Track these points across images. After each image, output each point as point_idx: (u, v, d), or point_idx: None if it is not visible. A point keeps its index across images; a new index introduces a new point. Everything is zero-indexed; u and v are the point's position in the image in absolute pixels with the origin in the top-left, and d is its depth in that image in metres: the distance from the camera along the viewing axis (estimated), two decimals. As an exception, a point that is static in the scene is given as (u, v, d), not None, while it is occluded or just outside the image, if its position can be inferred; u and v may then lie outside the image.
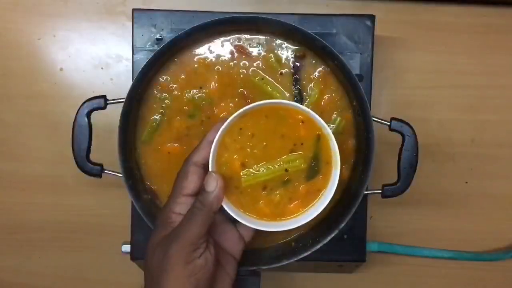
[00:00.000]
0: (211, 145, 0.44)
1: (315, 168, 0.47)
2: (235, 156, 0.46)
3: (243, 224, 0.46)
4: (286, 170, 0.47)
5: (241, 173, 0.46)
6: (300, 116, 0.46)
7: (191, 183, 0.45)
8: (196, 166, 0.46)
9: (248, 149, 0.46)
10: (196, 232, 0.42)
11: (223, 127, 0.45)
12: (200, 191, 0.44)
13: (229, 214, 0.45)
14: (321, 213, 0.47)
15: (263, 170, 0.46)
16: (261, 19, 0.52)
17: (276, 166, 0.47)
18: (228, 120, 0.45)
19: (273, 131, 0.46)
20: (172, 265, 0.42)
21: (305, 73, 0.54)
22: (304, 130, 0.46)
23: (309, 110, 0.45)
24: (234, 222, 0.47)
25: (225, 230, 0.49)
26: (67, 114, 0.55)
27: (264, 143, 0.46)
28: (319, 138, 0.46)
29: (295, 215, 0.47)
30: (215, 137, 0.45)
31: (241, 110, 0.45)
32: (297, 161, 0.47)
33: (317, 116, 0.45)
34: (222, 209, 0.45)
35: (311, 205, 0.47)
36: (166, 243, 0.43)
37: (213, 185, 0.43)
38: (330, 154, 0.46)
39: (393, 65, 0.64)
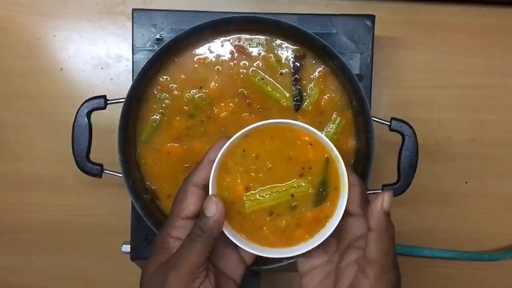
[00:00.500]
0: (213, 164, 0.42)
1: (323, 193, 0.44)
2: (238, 180, 0.44)
3: (246, 250, 0.43)
4: (292, 196, 0.44)
5: (244, 198, 0.44)
6: (307, 138, 0.44)
7: (190, 204, 0.43)
8: (196, 186, 0.43)
9: (253, 173, 0.44)
10: (195, 261, 0.40)
11: (224, 148, 0.42)
12: (199, 216, 0.41)
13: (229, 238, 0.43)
14: None
15: (267, 195, 0.44)
16: (261, 19, 0.52)
17: (282, 191, 0.44)
18: (230, 141, 0.42)
19: (279, 153, 0.44)
20: None
21: (305, 73, 0.54)
22: (312, 153, 0.44)
23: (316, 131, 0.43)
24: (235, 245, 0.44)
25: (225, 254, 0.45)
26: (67, 114, 0.55)
27: (270, 165, 0.44)
28: (328, 162, 0.44)
29: (301, 242, 0.44)
30: (216, 156, 0.42)
31: (244, 130, 0.42)
32: (304, 186, 0.44)
33: (324, 137, 0.43)
34: (222, 233, 0.42)
35: (318, 232, 0.44)
36: (163, 272, 0.41)
37: (213, 209, 0.40)
38: (338, 179, 0.44)
39: (393, 65, 0.64)
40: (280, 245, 0.44)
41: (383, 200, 0.40)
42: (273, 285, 0.68)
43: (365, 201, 0.43)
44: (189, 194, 0.43)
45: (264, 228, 0.44)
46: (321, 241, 0.43)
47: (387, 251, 0.41)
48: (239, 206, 0.44)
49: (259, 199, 0.44)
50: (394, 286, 0.41)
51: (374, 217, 0.40)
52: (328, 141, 0.43)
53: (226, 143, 0.42)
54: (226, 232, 0.42)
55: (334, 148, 0.42)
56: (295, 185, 0.44)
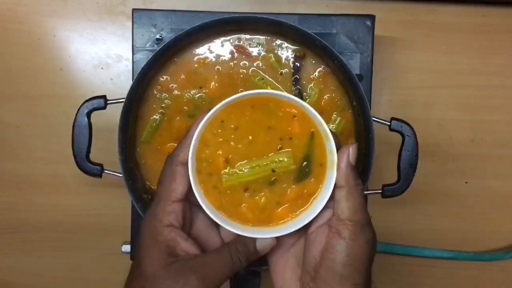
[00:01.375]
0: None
1: (306, 169, 0.42)
2: (219, 152, 0.41)
3: (226, 229, 0.41)
4: (273, 171, 0.42)
5: (222, 172, 0.41)
6: (293, 110, 0.41)
7: (179, 185, 0.40)
8: (183, 165, 0.40)
9: (232, 143, 0.41)
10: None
11: (203, 121, 0.40)
12: (241, 239, 0.40)
13: (210, 218, 0.41)
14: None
15: (246, 170, 0.42)
16: (261, 19, 0.52)
17: (263, 165, 0.42)
18: (210, 113, 0.40)
19: (259, 123, 0.41)
20: None
21: (305, 73, 0.54)
22: (296, 126, 0.42)
23: (304, 103, 0.40)
24: (217, 226, 0.43)
25: (208, 237, 0.43)
26: (67, 114, 0.55)
27: (250, 137, 0.41)
28: (313, 137, 0.41)
29: (283, 220, 0.42)
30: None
31: (224, 101, 0.40)
32: (286, 161, 0.41)
33: (313, 110, 0.40)
34: (203, 212, 0.41)
35: (301, 209, 0.42)
36: (184, 276, 0.38)
37: (267, 248, 0.41)
38: (324, 155, 0.41)
39: (393, 65, 0.64)
40: (260, 224, 0.42)
41: (348, 154, 0.39)
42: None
43: (352, 170, 0.40)
44: (177, 175, 0.40)
45: (243, 205, 0.42)
46: (307, 220, 0.41)
47: (359, 207, 0.39)
48: (216, 179, 0.42)
49: (238, 173, 0.42)
50: (371, 243, 0.39)
51: (341, 173, 0.39)
52: (317, 114, 0.40)
53: (204, 118, 0.40)
54: (204, 208, 0.40)
55: (323, 122, 0.40)
56: (276, 159, 0.42)
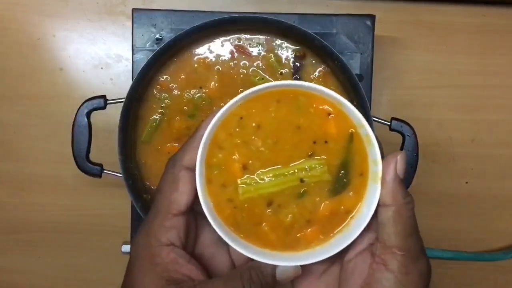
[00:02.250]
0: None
1: (343, 179, 0.34)
2: (234, 156, 0.34)
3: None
4: (302, 181, 0.34)
5: (239, 181, 0.34)
6: (326, 107, 0.34)
7: (183, 195, 0.33)
8: (188, 170, 0.33)
9: (252, 145, 0.34)
10: None
11: (216, 117, 0.33)
12: (255, 266, 0.32)
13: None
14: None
15: (269, 179, 0.34)
16: (261, 19, 0.52)
17: (289, 174, 0.34)
18: (224, 108, 0.33)
19: (286, 122, 0.34)
20: None
21: (305, 73, 0.54)
22: (331, 126, 0.34)
23: (342, 98, 0.33)
24: (226, 244, 0.35)
25: (214, 256, 0.36)
26: (66, 114, 0.55)
27: (274, 139, 0.34)
28: (352, 139, 0.34)
29: (312, 244, 0.34)
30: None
31: (243, 93, 0.33)
32: (319, 169, 0.34)
33: (353, 107, 0.33)
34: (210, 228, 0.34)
35: (336, 230, 0.34)
36: None
37: (290, 277, 0.32)
38: (366, 163, 0.34)
39: (393, 65, 0.64)
40: (283, 248, 0.34)
41: (396, 164, 0.31)
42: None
43: (400, 185, 0.32)
44: (180, 182, 0.33)
45: (263, 224, 0.34)
46: (344, 245, 0.33)
47: (410, 232, 0.31)
48: (231, 191, 0.34)
49: (259, 183, 0.34)
50: (426, 277, 0.32)
51: (387, 188, 0.31)
52: (358, 113, 0.33)
53: (216, 115, 0.33)
54: (214, 226, 0.33)
55: (366, 123, 0.33)
56: (306, 166, 0.34)
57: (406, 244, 0.31)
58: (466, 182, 0.66)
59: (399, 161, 0.31)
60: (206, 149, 0.33)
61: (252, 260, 0.33)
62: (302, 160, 0.34)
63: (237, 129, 0.34)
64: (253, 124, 0.34)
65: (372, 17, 0.55)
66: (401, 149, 0.51)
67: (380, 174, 0.32)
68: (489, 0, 0.63)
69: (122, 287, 0.34)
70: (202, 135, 0.33)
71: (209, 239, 0.36)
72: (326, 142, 0.34)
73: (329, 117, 0.34)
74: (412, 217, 0.32)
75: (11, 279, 0.67)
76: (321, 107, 0.34)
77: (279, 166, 0.34)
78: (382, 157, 0.33)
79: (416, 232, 0.32)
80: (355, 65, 0.55)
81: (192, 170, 0.33)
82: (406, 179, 0.51)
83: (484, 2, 0.63)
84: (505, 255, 0.65)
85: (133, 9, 0.55)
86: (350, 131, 0.34)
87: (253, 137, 0.34)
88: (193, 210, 0.35)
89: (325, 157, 0.34)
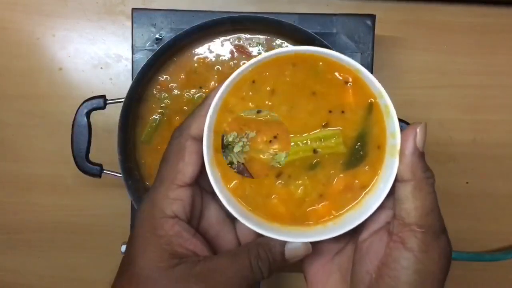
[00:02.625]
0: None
1: (360, 152, 0.32)
2: None
3: (244, 227, 0.31)
4: (315, 152, 0.32)
5: None
6: (345, 75, 0.32)
7: (188, 166, 0.31)
8: (195, 140, 0.32)
9: (265, 111, 0.32)
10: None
11: (226, 83, 0.31)
12: (263, 242, 0.30)
13: (227, 210, 0.32)
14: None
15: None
16: (261, 19, 0.51)
17: (302, 143, 0.31)
18: (237, 72, 0.31)
19: (301, 88, 0.32)
20: None
21: (305, 73, 0.54)
22: (349, 96, 0.32)
23: (361, 67, 0.31)
24: (233, 220, 0.35)
25: (219, 234, 0.35)
26: (66, 114, 0.55)
27: (290, 106, 0.32)
28: (371, 110, 0.32)
29: (323, 220, 0.32)
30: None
31: (256, 59, 0.31)
32: (334, 140, 0.32)
33: (372, 76, 0.31)
34: (216, 202, 0.33)
35: (349, 206, 0.32)
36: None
37: (298, 256, 0.30)
38: (384, 135, 0.32)
39: (393, 65, 0.64)
40: (293, 222, 0.32)
41: (415, 136, 0.30)
42: (273, 285, 0.68)
43: (420, 158, 0.30)
44: (187, 151, 0.31)
45: (273, 196, 0.32)
46: (358, 222, 0.31)
47: (431, 208, 0.30)
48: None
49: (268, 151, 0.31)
50: (447, 256, 0.31)
51: (406, 162, 0.29)
52: (376, 81, 0.31)
53: (228, 79, 0.31)
54: (221, 198, 0.31)
55: (385, 93, 0.31)
56: (320, 135, 0.32)
57: (426, 221, 0.29)
58: (467, 182, 0.66)
59: (419, 133, 0.30)
60: (215, 116, 0.31)
61: (260, 237, 0.32)
62: (317, 130, 0.32)
63: (250, 93, 0.32)
64: (268, 88, 0.32)
65: (372, 17, 0.55)
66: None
67: (398, 147, 0.31)
68: (489, 0, 0.63)
69: (123, 260, 0.33)
70: (211, 104, 0.31)
71: (215, 217, 0.34)
72: (343, 112, 0.32)
73: (347, 85, 0.32)
74: (433, 193, 0.30)
75: (11, 279, 0.67)
76: (339, 73, 0.32)
77: (292, 135, 0.32)
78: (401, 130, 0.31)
79: (437, 208, 0.30)
80: (355, 65, 0.55)
81: (200, 140, 0.31)
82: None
83: (484, 2, 0.63)
84: (505, 255, 0.65)
85: (133, 9, 0.55)
86: (369, 101, 0.32)
87: (266, 102, 0.32)
88: (199, 185, 0.33)
89: (341, 128, 0.32)
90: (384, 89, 0.31)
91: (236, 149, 0.31)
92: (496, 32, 0.64)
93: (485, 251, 0.66)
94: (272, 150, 0.32)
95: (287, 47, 0.31)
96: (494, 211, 0.66)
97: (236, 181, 0.32)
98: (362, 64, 0.31)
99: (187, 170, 0.31)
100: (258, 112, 0.32)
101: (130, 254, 0.32)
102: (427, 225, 0.29)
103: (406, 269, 0.28)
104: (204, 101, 0.32)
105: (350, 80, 0.32)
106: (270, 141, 0.32)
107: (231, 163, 0.32)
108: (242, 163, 0.31)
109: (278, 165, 0.32)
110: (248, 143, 0.32)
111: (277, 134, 0.32)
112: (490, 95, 0.65)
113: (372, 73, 0.55)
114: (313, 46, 0.31)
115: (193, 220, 0.33)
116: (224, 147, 0.32)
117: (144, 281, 0.30)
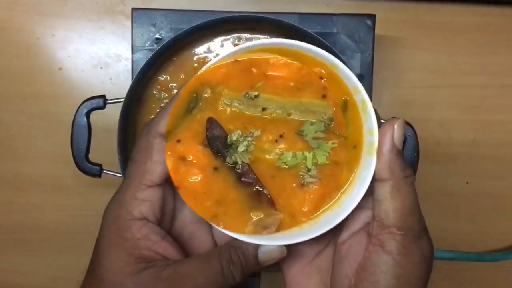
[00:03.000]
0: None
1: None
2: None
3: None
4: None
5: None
6: (319, 69, 0.30)
7: (157, 164, 0.30)
8: (163, 138, 0.30)
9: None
10: None
11: (195, 76, 0.30)
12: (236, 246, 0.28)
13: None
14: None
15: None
16: (261, 18, 0.51)
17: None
18: (206, 66, 0.30)
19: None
20: None
21: (305, 73, 0.54)
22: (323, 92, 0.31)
23: (337, 60, 0.29)
24: (207, 222, 0.32)
25: (194, 235, 0.33)
26: (66, 114, 0.55)
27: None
28: (346, 107, 0.30)
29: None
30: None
31: (230, 50, 0.30)
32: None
33: (348, 71, 0.29)
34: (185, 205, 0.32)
35: (325, 207, 0.31)
36: None
37: (273, 259, 0.28)
38: (360, 133, 0.31)
39: (393, 65, 0.64)
40: None
41: (392, 133, 0.28)
42: (273, 286, 0.68)
43: (398, 156, 0.29)
44: (154, 150, 0.30)
45: None
46: (333, 224, 0.30)
47: (411, 209, 0.28)
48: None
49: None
50: (428, 259, 0.29)
51: (383, 160, 0.28)
52: (354, 77, 0.29)
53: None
54: (191, 205, 0.30)
55: (362, 89, 0.30)
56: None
57: (405, 222, 0.28)
58: (467, 182, 0.66)
59: (396, 129, 0.28)
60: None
61: (234, 239, 0.30)
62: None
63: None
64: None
65: (372, 17, 0.55)
66: (402, 149, 0.51)
67: (376, 145, 0.29)
68: (489, 0, 0.63)
69: (90, 264, 0.31)
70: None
71: (189, 217, 0.33)
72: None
73: (322, 81, 0.30)
74: (413, 193, 0.29)
75: (11, 279, 0.67)
76: (312, 67, 0.30)
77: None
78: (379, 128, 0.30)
79: (417, 209, 0.29)
80: (355, 65, 0.55)
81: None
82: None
83: (485, 1, 0.63)
84: (506, 255, 0.65)
85: (133, 9, 0.55)
86: (343, 98, 0.30)
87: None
88: (171, 183, 0.31)
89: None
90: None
91: (241, 148, 0.30)
92: (496, 32, 0.64)
93: (486, 252, 0.66)
94: (278, 149, 0.30)
95: (261, 40, 0.30)
96: (494, 211, 0.66)
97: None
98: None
99: (156, 169, 0.30)
100: (246, 95, 0.30)
101: (96, 258, 0.31)
102: (407, 227, 0.28)
103: (385, 274, 0.27)
104: (172, 98, 0.31)
105: (323, 75, 0.30)
106: (276, 140, 0.30)
107: (235, 163, 0.30)
108: (247, 164, 0.30)
109: (285, 166, 0.30)
110: (253, 142, 0.30)
111: (283, 133, 0.30)
112: (490, 95, 0.65)
113: (372, 73, 0.55)
114: (288, 40, 0.29)
115: (165, 221, 0.32)
116: (228, 147, 0.30)
117: (109, 286, 0.29)
